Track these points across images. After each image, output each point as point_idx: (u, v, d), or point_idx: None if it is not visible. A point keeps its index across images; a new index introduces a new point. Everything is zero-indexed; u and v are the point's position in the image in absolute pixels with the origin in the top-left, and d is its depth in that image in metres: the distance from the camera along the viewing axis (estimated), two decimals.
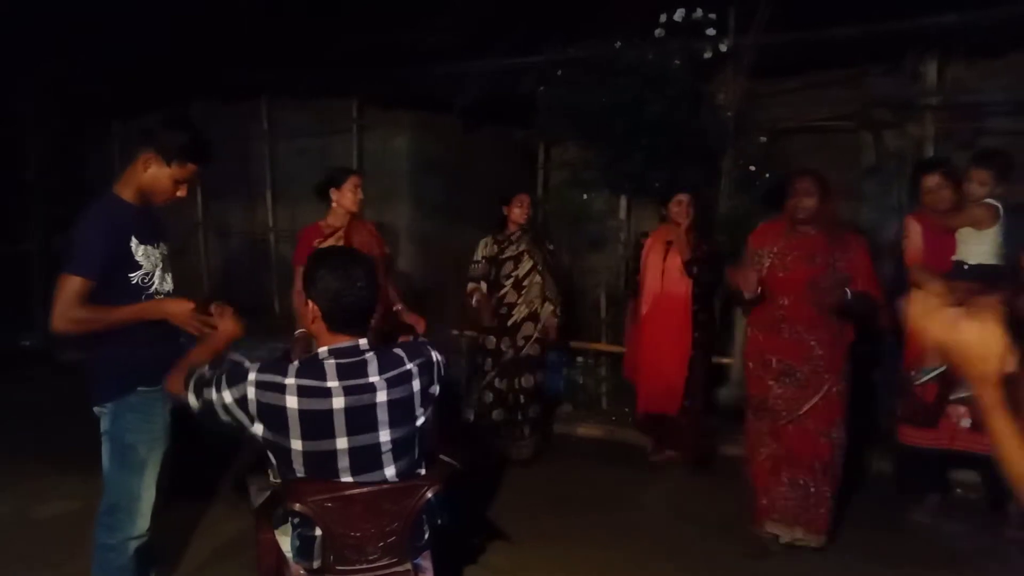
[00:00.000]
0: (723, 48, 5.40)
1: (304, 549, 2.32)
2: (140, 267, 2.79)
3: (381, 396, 2.27)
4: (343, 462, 2.27)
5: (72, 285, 2.64)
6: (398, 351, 2.39)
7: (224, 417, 2.27)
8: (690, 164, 5.50)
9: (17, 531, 4.05)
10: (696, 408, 4.95)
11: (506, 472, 4.88)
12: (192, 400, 2.33)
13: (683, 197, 4.86)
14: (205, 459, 4.46)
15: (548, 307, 5.02)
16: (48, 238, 8.44)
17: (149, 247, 2.83)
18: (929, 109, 5.33)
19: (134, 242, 2.78)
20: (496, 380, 5.01)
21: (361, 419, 2.26)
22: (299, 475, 2.28)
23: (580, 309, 6.52)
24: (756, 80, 5.59)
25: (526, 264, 4.99)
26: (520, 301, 4.98)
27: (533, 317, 5.01)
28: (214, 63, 7.27)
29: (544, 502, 4.50)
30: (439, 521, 2.51)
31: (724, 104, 5.63)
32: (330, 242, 4.20)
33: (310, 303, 2.30)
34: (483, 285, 5.01)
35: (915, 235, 4.14)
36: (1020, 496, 1.30)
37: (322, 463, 2.26)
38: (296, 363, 2.26)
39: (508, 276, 5.00)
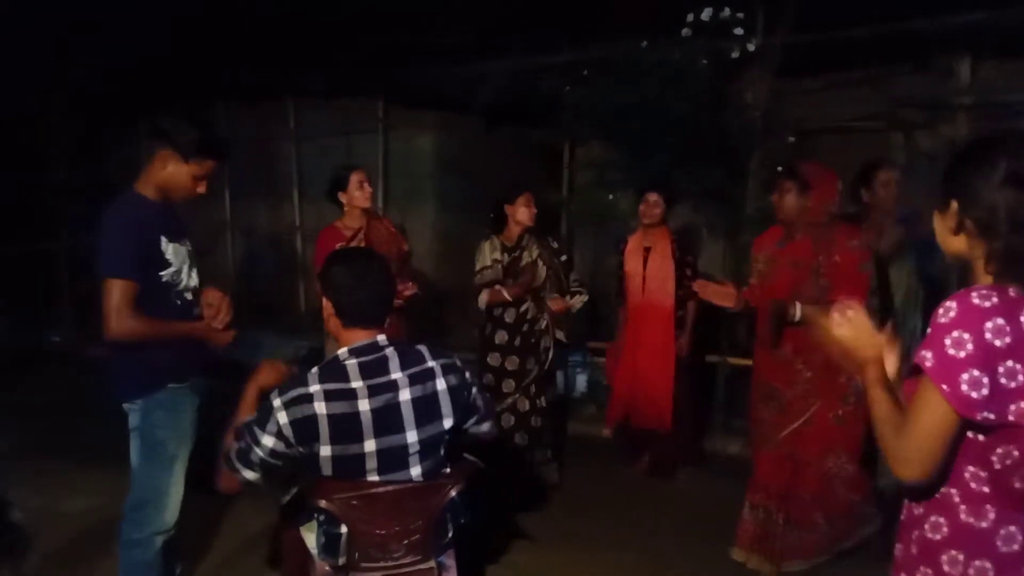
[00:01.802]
0: (751, 47, 5.35)
1: (329, 546, 2.32)
2: (170, 264, 2.80)
3: (404, 395, 2.28)
4: (371, 463, 2.27)
5: (119, 290, 2.64)
6: (420, 348, 2.40)
7: (276, 462, 2.27)
8: (716, 164, 5.46)
9: (44, 526, 4.08)
10: (686, 420, 4.91)
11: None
12: (249, 475, 2.33)
13: (651, 196, 4.70)
14: None
15: (579, 298, 4.70)
16: (73, 236, 8.54)
17: (177, 244, 2.85)
18: (962, 109, 5.26)
19: (163, 240, 2.79)
20: (518, 401, 4.57)
21: (388, 420, 2.26)
22: (325, 473, 2.29)
23: (604, 309, 6.49)
24: (784, 80, 5.53)
25: (542, 273, 4.60)
26: (541, 316, 4.61)
27: (550, 329, 4.70)
28: (238, 63, 7.32)
29: (566, 503, 4.49)
30: (463, 520, 2.50)
31: (751, 104, 5.58)
32: (353, 245, 4.18)
33: (324, 300, 2.34)
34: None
35: None
36: (891, 471, 1.55)
37: (350, 466, 2.27)
38: (315, 370, 2.27)
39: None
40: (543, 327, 4.62)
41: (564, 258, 4.77)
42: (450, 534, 2.48)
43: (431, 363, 2.35)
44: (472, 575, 3.28)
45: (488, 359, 4.62)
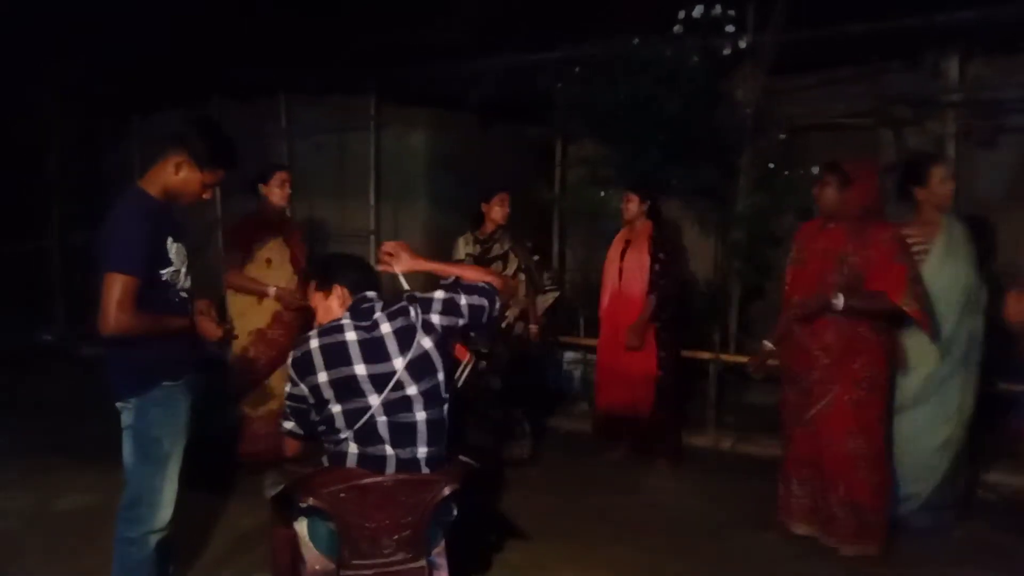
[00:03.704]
0: (742, 45, 5.37)
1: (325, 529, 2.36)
2: (171, 264, 2.81)
3: (385, 328, 2.58)
4: (366, 385, 2.49)
5: (122, 284, 2.62)
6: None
7: (305, 407, 2.62)
8: (707, 161, 5.48)
9: (37, 524, 4.09)
10: (667, 409, 5.04)
11: (520, 470, 4.88)
12: (288, 424, 2.74)
13: (626, 195, 5.05)
14: (222, 454, 4.50)
15: (551, 294, 5.13)
16: (66, 235, 8.53)
17: (179, 244, 2.87)
18: (950, 106, 5.28)
19: (169, 239, 2.80)
20: (491, 381, 4.86)
21: (373, 350, 2.53)
22: (333, 408, 2.50)
23: (595, 306, 6.50)
24: (774, 77, 5.55)
25: (512, 264, 4.97)
26: (511, 303, 4.91)
27: (523, 316, 5.09)
28: (232, 61, 7.31)
29: (559, 500, 4.50)
30: (455, 519, 2.52)
31: (742, 101, 5.60)
32: (273, 247, 4.73)
33: (337, 289, 2.71)
34: None
35: None
36: None
37: (347, 386, 2.49)
38: None
39: None
40: (515, 315, 5.00)
41: (537, 258, 5.19)
42: (441, 533, 2.50)
43: (406, 303, 2.67)
44: (464, 573, 3.31)
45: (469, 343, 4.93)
